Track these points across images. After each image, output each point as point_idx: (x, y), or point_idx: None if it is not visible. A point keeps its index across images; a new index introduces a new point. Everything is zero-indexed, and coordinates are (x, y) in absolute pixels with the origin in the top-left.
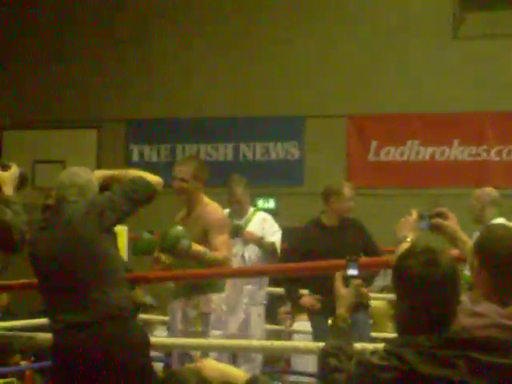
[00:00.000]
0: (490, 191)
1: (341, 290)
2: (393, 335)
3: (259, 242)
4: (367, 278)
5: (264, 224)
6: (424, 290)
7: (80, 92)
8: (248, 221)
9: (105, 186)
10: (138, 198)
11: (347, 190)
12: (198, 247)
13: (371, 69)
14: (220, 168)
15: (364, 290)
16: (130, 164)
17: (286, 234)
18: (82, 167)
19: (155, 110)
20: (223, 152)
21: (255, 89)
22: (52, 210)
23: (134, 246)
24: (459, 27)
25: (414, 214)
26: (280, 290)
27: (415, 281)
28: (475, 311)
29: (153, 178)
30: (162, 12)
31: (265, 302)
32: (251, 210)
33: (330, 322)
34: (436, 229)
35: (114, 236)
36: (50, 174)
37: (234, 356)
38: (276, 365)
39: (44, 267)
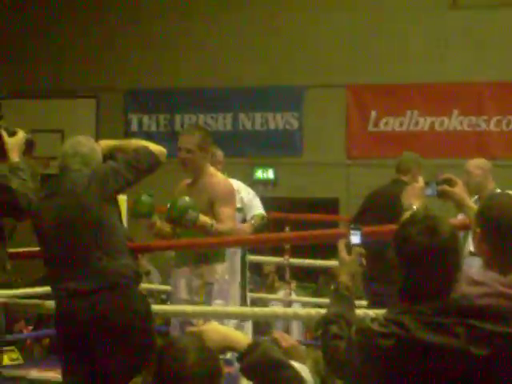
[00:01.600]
0: (487, 161)
1: (345, 257)
2: None
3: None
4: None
5: (239, 194)
6: (424, 258)
7: (78, 61)
8: None
9: (109, 156)
10: (141, 168)
11: None
12: (204, 219)
13: (371, 39)
14: (219, 138)
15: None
16: (128, 134)
17: (284, 204)
18: (85, 136)
19: (154, 80)
20: (222, 122)
21: (254, 59)
22: (55, 178)
23: (133, 209)
24: None
25: (421, 181)
26: (276, 260)
27: (415, 249)
28: (476, 280)
29: (156, 148)
30: None
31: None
32: None
33: (332, 288)
34: (443, 195)
35: (116, 205)
36: (48, 144)
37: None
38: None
39: (47, 236)
